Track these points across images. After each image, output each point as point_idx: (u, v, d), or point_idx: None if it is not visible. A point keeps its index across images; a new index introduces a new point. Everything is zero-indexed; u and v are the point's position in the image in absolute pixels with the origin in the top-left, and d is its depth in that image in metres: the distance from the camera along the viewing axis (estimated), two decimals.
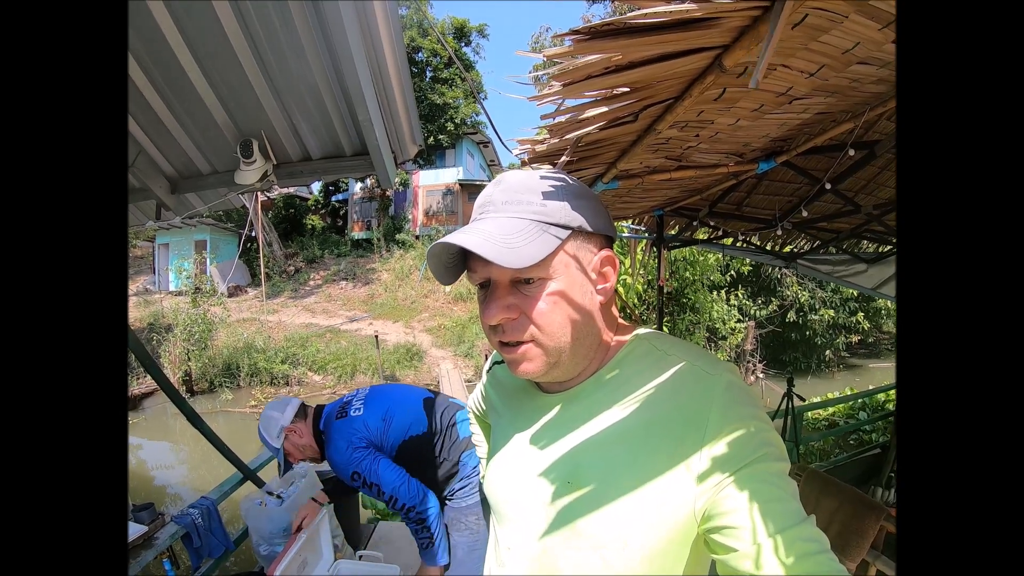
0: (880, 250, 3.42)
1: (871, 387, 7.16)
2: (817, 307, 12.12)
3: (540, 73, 0.81)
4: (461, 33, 20.49)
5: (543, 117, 0.95)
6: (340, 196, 21.91)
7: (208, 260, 15.29)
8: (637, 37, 0.65)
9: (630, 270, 7.42)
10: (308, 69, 1.45)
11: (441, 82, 19.22)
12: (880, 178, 2.43)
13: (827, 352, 12.73)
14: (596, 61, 0.71)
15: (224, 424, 9.19)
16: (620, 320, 0.65)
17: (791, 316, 12.14)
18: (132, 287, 17.68)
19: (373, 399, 1.83)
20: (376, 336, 12.18)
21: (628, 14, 0.62)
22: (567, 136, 0.99)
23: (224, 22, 1.29)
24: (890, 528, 2.04)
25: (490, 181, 0.62)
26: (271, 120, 1.67)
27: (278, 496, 2.20)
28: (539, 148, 1.07)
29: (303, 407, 1.85)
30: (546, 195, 0.56)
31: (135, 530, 1.82)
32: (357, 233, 20.58)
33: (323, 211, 22.18)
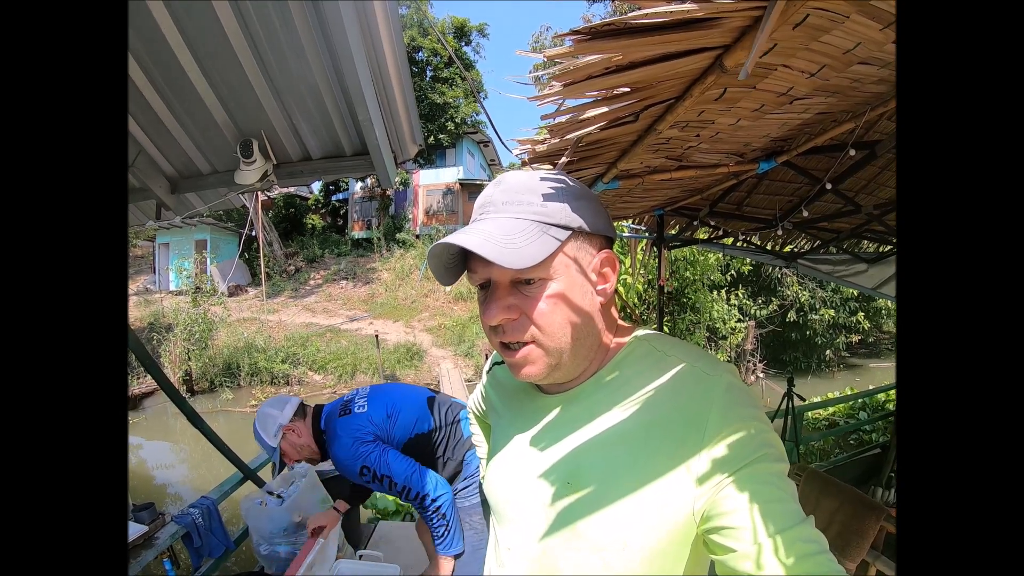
0: (880, 250, 3.42)
1: (871, 387, 7.16)
2: (817, 307, 12.12)
3: (540, 73, 0.81)
4: (461, 32, 20.49)
5: (543, 117, 0.95)
6: (340, 195, 21.91)
7: (208, 260, 15.29)
8: (638, 37, 0.65)
9: (630, 270, 7.42)
10: (308, 69, 1.45)
11: (441, 81, 19.22)
12: (880, 178, 2.43)
13: (827, 352, 12.73)
14: (597, 61, 0.71)
15: (224, 424, 9.20)
16: (620, 321, 0.65)
17: (791, 316, 12.14)
18: (132, 287, 17.69)
19: (376, 396, 1.81)
20: (376, 335, 12.19)
21: (629, 14, 0.62)
22: (567, 136, 0.99)
23: (224, 22, 1.29)
24: (890, 528, 2.04)
25: (490, 180, 0.62)
26: (271, 120, 1.67)
27: (278, 496, 2.20)
28: (539, 148, 1.08)
29: (302, 406, 1.82)
30: (546, 196, 0.56)
31: (135, 530, 1.82)
32: (357, 232, 20.58)
33: (323, 210, 22.18)
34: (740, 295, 11.74)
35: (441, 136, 19.21)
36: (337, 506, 1.95)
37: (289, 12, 1.27)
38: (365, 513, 3.19)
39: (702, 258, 10.47)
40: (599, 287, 0.59)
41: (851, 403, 6.03)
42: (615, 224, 3.28)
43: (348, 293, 16.81)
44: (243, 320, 14.31)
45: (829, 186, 1.84)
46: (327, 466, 1.93)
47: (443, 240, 0.53)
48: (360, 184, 20.20)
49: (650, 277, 9.62)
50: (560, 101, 0.86)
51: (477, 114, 19.81)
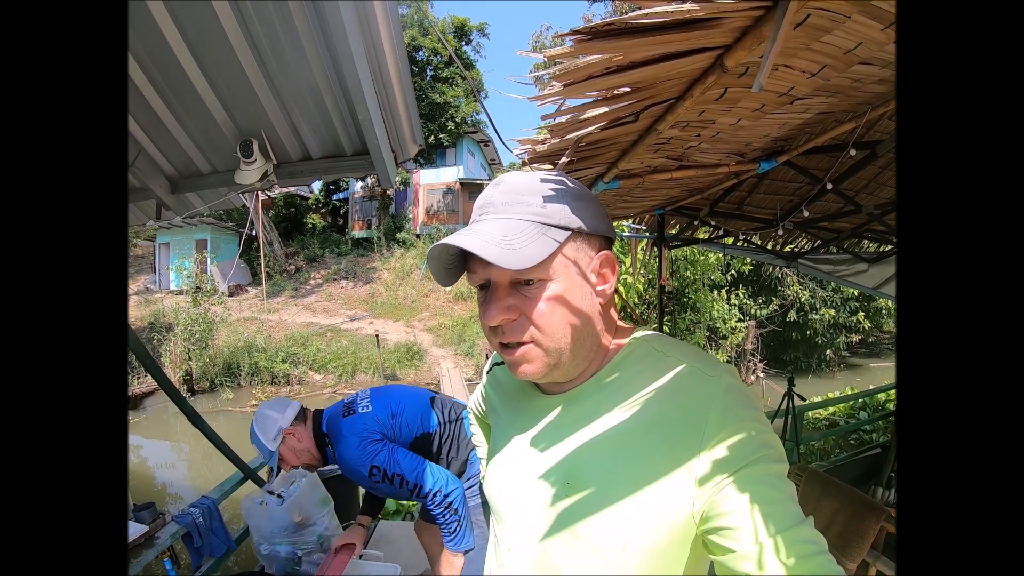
0: (881, 250, 3.41)
1: (872, 387, 7.16)
2: (818, 306, 12.12)
3: (541, 73, 0.81)
4: (461, 32, 20.49)
5: (544, 117, 0.95)
6: (341, 195, 21.92)
7: (209, 259, 15.32)
8: (638, 37, 0.65)
9: (631, 269, 7.42)
10: (308, 69, 1.45)
11: (441, 81, 19.23)
12: (881, 178, 2.43)
13: (828, 351, 12.74)
14: (597, 61, 0.71)
15: (225, 423, 9.20)
16: (619, 322, 0.65)
17: (792, 315, 12.14)
18: (133, 286, 17.70)
19: (379, 397, 1.79)
20: (377, 335, 12.19)
21: (629, 14, 0.62)
22: (568, 136, 0.99)
23: (224, 22, 1.29)
24: (890, 528, 2.04)
25: (491, 180, 0.62)
26: (271, 120, 1.67)
27: (279, 495, 2.20)
28: (540, 148, 1.07)
29: (303, 410, 1.78)
30: (546, 196, 0.56)
31: (136, 529, 1.82)
32: (358, 232, 20.58)
33: (324, 210, 22.18)
34: (740, 295, 11.73)
35: (441, 136, 19.22)
36: (361, 521, 1.94)
37: (289, 12, 1.27)
38: None
39: (702, 258, 10.47)
40: (598, 288, 0.59)
41: (851, 403, 6.03)
42: (615, 224, 3.28)
43: (348, 293, 16.82)
44: (243, 320, 14.31)
45: (830, 186, 1.84)
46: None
47: (442, 241, 0.53)
48: (360, 184, 20.20)
49: (650, 277, 9.62)
50: (560, 101, 0.86)
51: (477, 113, 19.82)
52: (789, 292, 12.15)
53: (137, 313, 14.29)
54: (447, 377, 10.31)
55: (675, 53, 0.72)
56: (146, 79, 1.51)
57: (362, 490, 2.81)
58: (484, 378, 0.84)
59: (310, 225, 21.21)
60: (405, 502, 1.68)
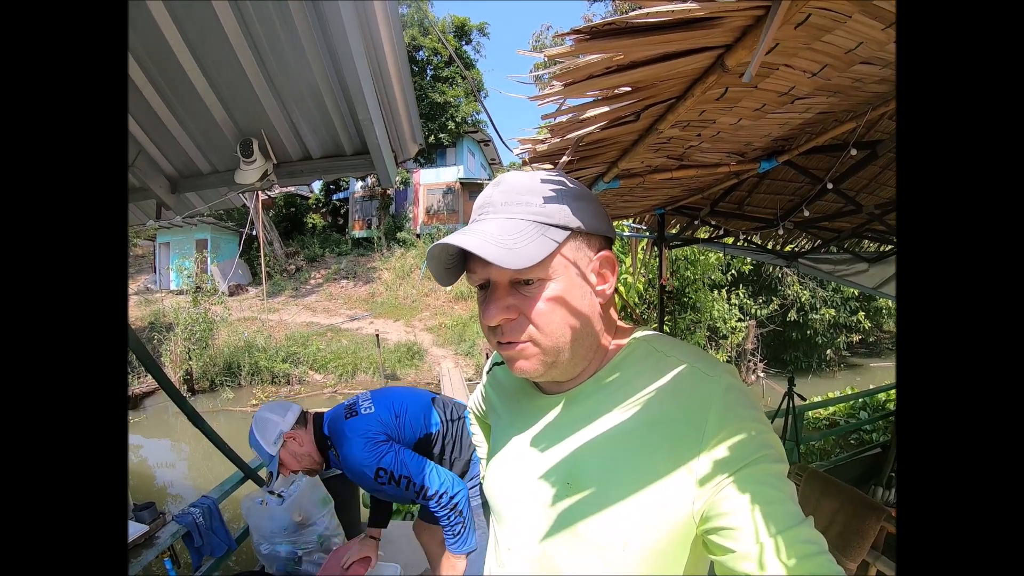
0: (881, 249, 3.41)
1: (872, 386, 7.16)
2: (818, 306, 12.12)
3: (541, 72, 0.81)
4: (462, 32, 20.49)
5: (544, 117, 0.95)
6: (341, 195, 21.92)
7: (209, 259, 15.31)
8: (639, 37, 0.65)
9: (631, 269, 7.42)
10: (308, 68, 1.45)
11: (442, 81, 19.23)
12: (881, 177, 2.43)
13: (828, 351, 12.73)
14: (598, 60, 0.71)
15: (225, 423, 9.21)
16: (619, 322, 0.65)
17: (792, 315, 12.14)
18: (133, 286, 17.72)
19: (382, 398, 1.77)
20: (377, 335, 12.20)
21: (630, 13, 0.62)
22: (568, 136, 0.99)
23: (224, 22, 1.29)
24: (890, 528, 2.04)
25: (491, 180, 0.62)
26: (271, 119, 1.67)
27: (279, 495, 2.20)
28: (540, 147, 1.07)
29: (303, 414, 1.74)
30: (545, 196, 0.56)
31: (136, 529, 1.82)
32: (358, 232, 20.59)
33: (324, 210, 22.19)
34: (741, 294, 11.73)
35: (442, 135, 19.23)
36: (372, 534, 1.93)
37: (289, 12, 1.27)
38: (365, 513, 3.19)
39: (703, 257, 10.47)
40: (598, 288, 0.59)
41: (852, 403, 6.03)
42: (615, 223, 3.28)
43: (349, 292, 16.83)
44: (244, 319, 14.32)
45: (830, 186, 1.84)
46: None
47: (442, 241, 0.53)
48: (360, 183, 20.21)
49: (650, 276, 9.62)
50: (561, 100, 0.85)
51: (477, 113, 19.83)
52: (789, 292, 12.15)
53: (137, 313, 14.30)
54: (447, 377, 10.31)
55: (676, 52, 0.72)
56: (146, 79, 1.51)
57: (363, 492, 2.81)
58: (484, 378, 0.84)
59: (310, 225, 21.22)
60: (420, 502, 1.64)
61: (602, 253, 0.59)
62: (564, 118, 0.93)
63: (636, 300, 10.05)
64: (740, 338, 11.50)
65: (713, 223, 3.01)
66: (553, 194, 0.57)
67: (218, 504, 2.13)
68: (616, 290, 0.64)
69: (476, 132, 20.54)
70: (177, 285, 15.87)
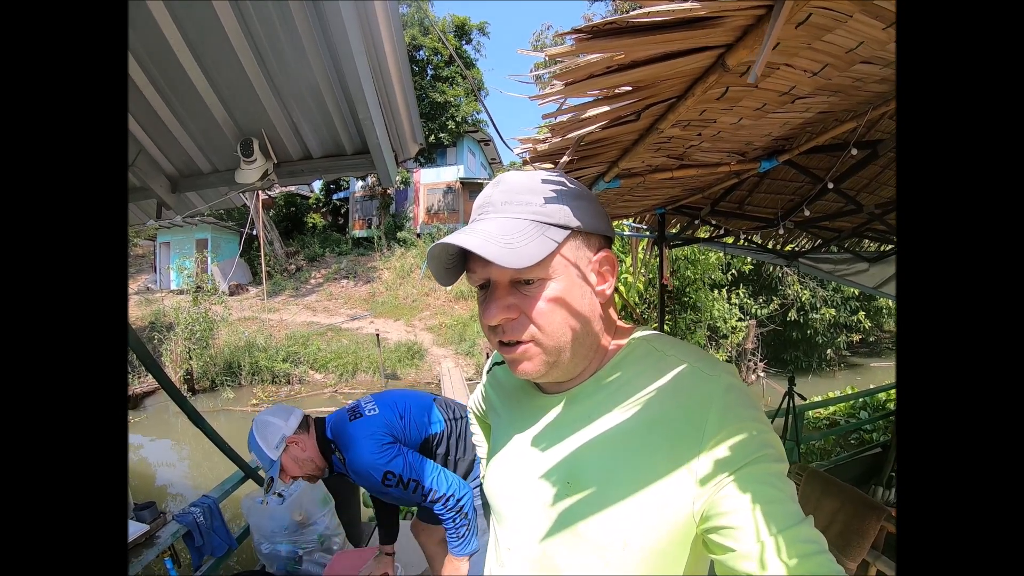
0: (882, 249, 3.41)
1: (872, 386, 7.15)
2: (818, 306, 12.12)
3: (542, 72, 0.81)
4: (462, 31, 20.49)
5: (545, 116, 0.95)
6: (341, 194, 21.92)
7: (209, 259, 15.30)
8: (640, 36, 0.65)
9: (632, 268, 7.42)
10: (308, 68, 1.45)
11: (442, 80, 19.23)
12: (882, 177, 2.42)
13: (828, 351, 12.73)
14: (598, 60, 0.71)
15: (225, 423, 9.22)
16: (619, 321, 0.65)
17: (792, 315, 12.13)
18: (133, 286, 17.73)
19: (384, 400, 1.76)
20: (377, 334, 12.20)
21: (630, 13, 0.62)
22: (569, 135, 0.99)
23: (224, 22, 1.29)
24: (891, 528, 2.04)
25: (491, 179, 0.62)
26: (271, 119, 1.67)
27: (279, 495, 2.21)
28: (540, 147, 1.07)
29: (306, 418, 1.69)
30: (545, 196, 0.56)
31: (137, 529, 1.82)
32: (358, 231, 20.59)
33: (324, 209, 22.20)
34: (741, 294, 11.73)
35: (442, 135, 19.23)
36: (386, 550, 1.94)
37: (289, 11, 1.27)
38: (366, 512, 3.19)
39: (703, 257, 10.47)
40: (598, 287, 0.59)
41: (852, 402, 6.03)
42: (616, 223, 3.27)
43: (349, 292, 16.84)
44: (244, 319, 14.34)
45: (831, 185, 1.84)
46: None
47: (442, 241, 0.53)
48: (361, 183, 20.20)
49: (651, 276, 9.62)
50: (561, 100, 0.85)
51: (478, 113, 19.83)
52: (790, 291, 12.15)
53: (138, 312, 14.31)
54: (448, 376, 10.32)
55: (676, 52, 0.72)
56: (146, 79, 1.51)
57: (363, 492, 2.80)
58: (484, 378, 0.84)
59: (310, 224, 21.23)
60: (426, 505, 1.63)
61: (602, 253, 0.59)
62: (564, 117, 0.93)
63: (636, 300, 10.05)
64: (740, 338, 11.49)
65: (713, 223, 3.01)
66: (553, 193, 0.57)
67: (219, 503, 2.13)
68: (616, 290, 0.64)
69: (476, 131, 20.54)
70: (177, 285, 15.88)
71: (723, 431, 0.50)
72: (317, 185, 21.86)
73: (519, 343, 0.56)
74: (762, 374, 11.47)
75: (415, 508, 2.20)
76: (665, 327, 4.51)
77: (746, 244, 3.41)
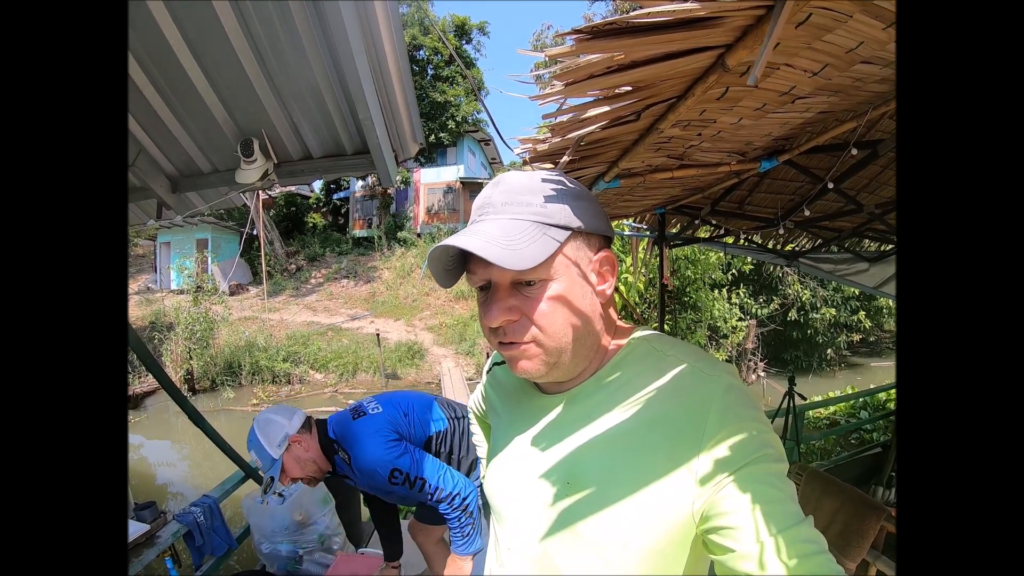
0: (882, 249, 3.41)
1: (872, 386, 7.15)
2: (819, 305, 12.11)
3: (542, 72, 0.81)
4: (462, 31, 20.49)
5: (545, 116, 0.95)
6: (341, 194, 21.92)
7: (209, 258, 15.31)
8: (640, 36, 0.65)
9: (632, 268, 7.42)
10: (308, 68, 1.45)
11: (442, 80, 19.23)
12: (882, 177, 2.42)
13: (828, 351, 12.72)
14: (598, 60, 0.71)
15: (226, 422, 9.22)
16: (619, 321, 0.65)
17: (792, 315, 12.13)
18: (134, 286, 17.73)
19: (387, 399, 1.75)
20: (378, 334, 12.20)
21: (630, 13, 0.62)
22: (569, 135, 0.98)
23: (224, 22, 1.29)
24: (891, 528, 2.03)
25: (491, 179, 0.62)
26: (272, 119, 1.67)
27: (279, 495, 2.21)
28: (540, 147, 1.07)
29: (308, 419, 1.67)
30: (546, 196, 0.56)
31: (137, 528, 1.82)
32: (358, 231, 20.59)
33: (324, 209, 22.19)
34: (741, 294, 11.73)
35: (442, 134, 19.23)
36: (393, 564, 1.97)
37: (289, 11, 1.27)
38: (366, 512, 3.19)
39: (703, 257, 10.47)
40: (599, 287, 0.59)
41: (852, 402, 6.03)
42: (616, 223, 3.27)
43: (349, 292, 16.84)
44: (244, 319, 14.34)
45: (831, 185, 1.84)
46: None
47: (444, 242, 0.53)
48: (361, 183, 20.20)
49: (651, 276, 9.61)
50: (561, 100, 0.85)
51: (478, 112, 19.83)
52: (790, 291, 12.14)
53: (138, 312, 14.32)
54: (448, 376, 10.32)
55: (676, 52, 0.72)
56: (146, 79, 1.51)
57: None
58: (484, 378, 0.84)
59: (311, 224, 21.23)
60: (431, 504, 1.62)
61: (602, 253, 0.59)
62: (564, 118, 0.93)
63: (637, 299, 10.05)
64: (740, 337, 11.49)
65: (714, 222, 3.01)
66: (554, 194, 0.57)
67: (219, 503, 2.13)
68: (616, 290, 0.64)
69: (476, 131, 20.54)
70: (178, 284, 15.88)
71: (723, 431, 0.50)
72: (317, 185, 21.87)
73: (520, 343, 0.56)
74: (762, 374, 11.46)
75: (412, 508, 2.20)
76: (665, 327, 4.51)
77: (746, 244, 3.41)
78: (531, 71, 0.87)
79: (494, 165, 24.39)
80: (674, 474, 0.50)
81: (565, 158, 1.11)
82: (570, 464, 0.57)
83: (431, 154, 20.03)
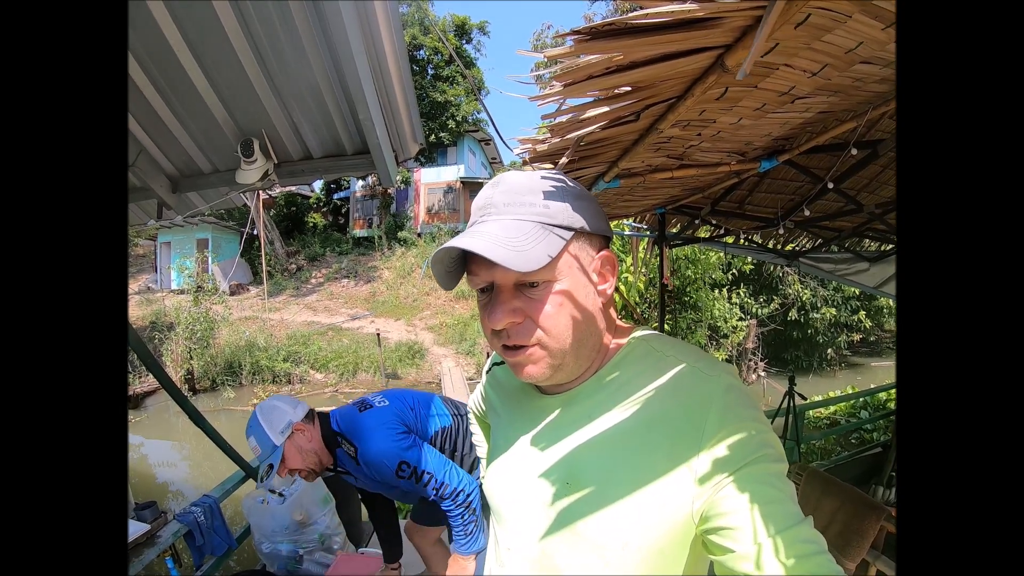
0: (882, 248, 3.41)
1: (872, 386, 7.15)
2: (819, 305, 12.12)
3: (542, 72, 0.81)
4: (462, 31, 20.49)
5: (544, 117, 0.95)
6: (342, 194, 21.93)
7: (210, 258, 15.32)
8: (639, 37, 0.65)
9: (632, 268, 7.42)
10: (309, 68, 1.45)
11: (442, 80, 19.24)
12: (882, 177, 2.42)
13: (829, 350, 12.73)
14: (598, 61, 0.71)
15: (226, 422, 9.22)
16: (618, 321, 0.65)
17: (793, 314, 12.13)
18: (134, 286, 17.74)
19: (393, 394, 1.75)
20: (378, 334, 12.21)
21: (630, 14, 0.62)
22: (569, 135, 0.98)
23: (224, 22, 1.29)
24: (891, 528, 2.03)
25: (491, 179, 0.62)
26: (272, 119, 1.67)
27: (280, 494, 2.21)
28: (540, 147, 1.07)
29: (312, 412, 1.65)
30: (547, 196, 0.56)
31: (138, 528, 1.82)
32: (359, 231, 20.60)
33: (325, 209, 22.20)
34: (741, 293, 11.73)
35: (442, 134, 19.24)
36: (393, 566, 1.99)
37: (289, 12, 1.27)
38: (365, 511, 3.19)
39: (703, 257, 10.46)
40: (600, 287, 0.59)
41: (852, 402, 6.03)
42: (616, 223, 3.27)
43: (349, 291, 16.85)
44: (245, 319, 14.35)
45: (831, 185, 1.84)
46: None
47: (448, 244, 0.52)
48: (361, 182, 20.20)
49: (651, 276, 9.61)
50: (561, 100, 0.85)
51: (478, 112, 19.83)
52: (790, 291, 12.15)
53: (139, 312, 14.32)
54: (448, 376, 10.32)
55: (676, 53, 0.72)
56: (146, 79, 1.51)
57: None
58: (484, 378, 0.84)
59: (311, 224, 21.23)
60: (435, 500, 1.61)
61: (603, 252, 0.59)
62: (564, 118, 0.93)
63: (637, 299, 10.05)
64: (741, 337, 11.49)
65: (714, 222, 3.01)
66: (555, 193, 0.56)
67: (219, 503, 2.13)
68: (616, 289, 0.64)
69: (477, 131, 20.53)
70: (178, 284, 15.89)
71: (723, 431, 0.50)
72: (317, 185, 21.87)
73: (523, 347, 0.56)
74: (762, 374, 11.46)
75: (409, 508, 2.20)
76: (665, 327, 4.51)
77: (746, 244, 3.41)
78: (531, 71, 0.87)
79: (494, 165, 24.40)
80: (674, 474, 0.50)
81: (565, 158, 1.11)
82: (570, 464, 0.57)
83: (431, 154, 20.03)
